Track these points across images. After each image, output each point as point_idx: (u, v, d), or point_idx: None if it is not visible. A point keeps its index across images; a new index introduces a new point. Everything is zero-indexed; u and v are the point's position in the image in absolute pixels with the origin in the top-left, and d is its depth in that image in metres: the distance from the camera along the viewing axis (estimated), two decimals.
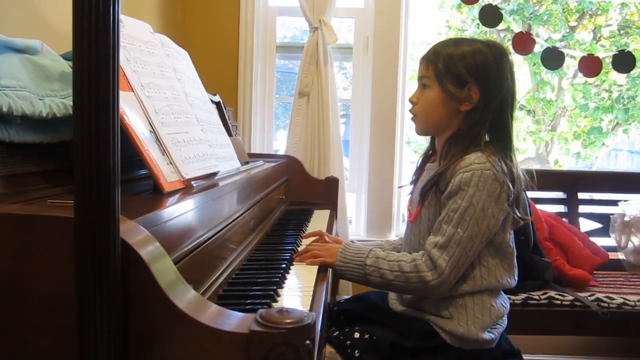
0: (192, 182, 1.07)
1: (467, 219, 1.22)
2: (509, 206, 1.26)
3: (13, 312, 0.66)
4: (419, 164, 1.47)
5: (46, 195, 0.84)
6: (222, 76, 2.64)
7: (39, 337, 0.66)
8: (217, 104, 1.98)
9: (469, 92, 1.29)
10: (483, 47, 1.31)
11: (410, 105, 1.39)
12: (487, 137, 1.31)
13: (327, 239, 1.50)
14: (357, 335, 1.33)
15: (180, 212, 0.89)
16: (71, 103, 0.61)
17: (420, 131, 1.41)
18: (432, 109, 1.33)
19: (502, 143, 1.30)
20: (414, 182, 1.45)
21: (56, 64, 0.99)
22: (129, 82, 1.01)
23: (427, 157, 1.46)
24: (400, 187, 1.50)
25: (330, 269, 1.33)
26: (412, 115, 1.40)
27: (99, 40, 0.59)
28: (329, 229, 1.81)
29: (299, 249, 1.42)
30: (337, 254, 1.31)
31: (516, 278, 1.35)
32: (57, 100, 0.93)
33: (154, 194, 0.96)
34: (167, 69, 1.21)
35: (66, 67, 1.00)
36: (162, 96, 1.10)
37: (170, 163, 1.01)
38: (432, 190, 1.31)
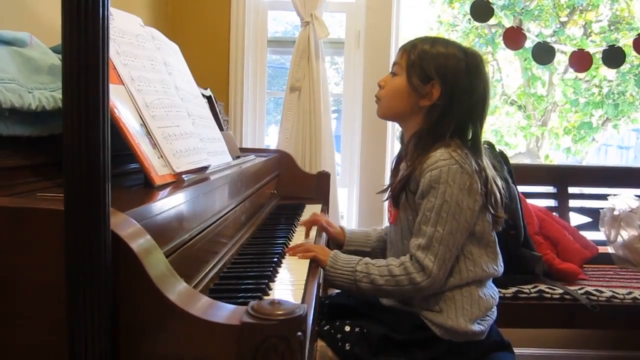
0: (183, 176, 1.07)
1: (444, 216, 1.23)
2: (482, 197, 1.27)
3: (2, 305, 0.65)
4: (393, 166, 1.48)
5: (35, 189, 0.84)
6: (213, 70, 2.62)
7: (29, 330, 0.66)
8: (208, 98, 1.97)
9: (431, 88, 1.31)
10: (459, 52, 1.32)
11: (377, 89, 1.42)
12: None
13: (324, 224, 1.57)
14: (347, 328, 1.34)
15: (171, 205, 0.89)
16: (60, 96, 0.61)
17: (381, 114, 1.43)
18: (394, 96, 1.37)
19: (469, 147, 1.31)
20: (391, 184, 1.45)
21: (45, 56, 0.98)
22: (119, 76, 1.00)
23: (401, 159, 1.46)
24: (378, 193, 1.52)
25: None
26: (376, 99, 1.42)
27: (88, 33, 0.58)
28: None
29: (291, 243, 1.42)
30: (328, 256, 1.32)
31: (502, 265, 1.37)
32: (46, 93, 0.92)
33: (145, 187, 0.96)
34: (157, 63, 1.20)
35: (55, 60, 0.99)
36: (152, 90, 1.09)
37: (161, 157, 1.01)
38: (403, 192, 1.32)
